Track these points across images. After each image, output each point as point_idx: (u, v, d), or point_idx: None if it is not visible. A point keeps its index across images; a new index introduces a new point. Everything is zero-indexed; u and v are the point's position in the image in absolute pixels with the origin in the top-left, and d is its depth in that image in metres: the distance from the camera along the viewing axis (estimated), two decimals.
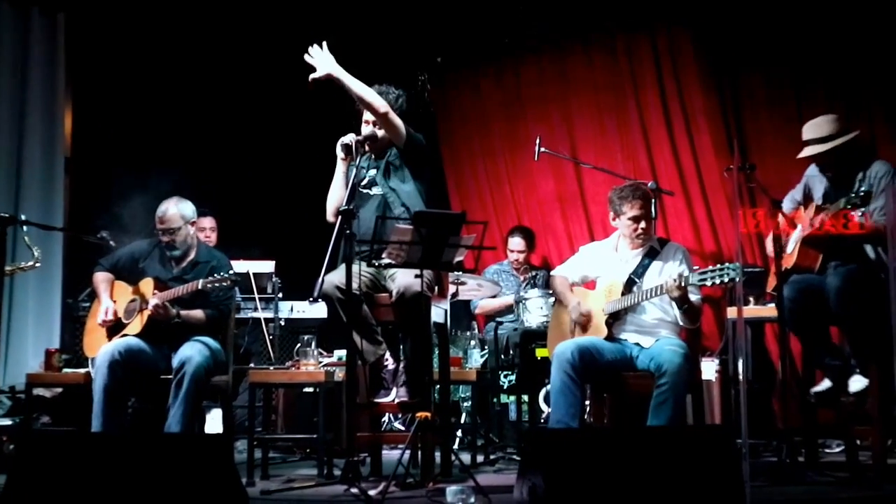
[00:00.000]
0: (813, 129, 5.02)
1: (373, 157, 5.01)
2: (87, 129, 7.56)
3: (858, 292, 4.68)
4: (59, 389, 5.84)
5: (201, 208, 5.70)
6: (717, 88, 7.21)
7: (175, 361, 5.01)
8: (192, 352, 5.01)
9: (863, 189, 4.63)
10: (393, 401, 4.83)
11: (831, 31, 6.71)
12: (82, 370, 5.38)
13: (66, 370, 5.50)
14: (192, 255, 5.36)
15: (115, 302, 5.27)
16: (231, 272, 5.12)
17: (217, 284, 5.05)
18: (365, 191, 4.98)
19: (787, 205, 5.20)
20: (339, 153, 4.90)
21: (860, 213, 4.71)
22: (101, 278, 5.34)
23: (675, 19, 7.38)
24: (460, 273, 6.33)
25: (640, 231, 5.01)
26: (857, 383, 4.76)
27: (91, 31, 7.47)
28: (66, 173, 7.44)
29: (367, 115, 4.98)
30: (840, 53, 6.70)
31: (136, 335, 5.13)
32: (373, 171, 5.01)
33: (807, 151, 5.02)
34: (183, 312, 5.18)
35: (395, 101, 5.01)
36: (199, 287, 5.05)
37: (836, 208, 4.73)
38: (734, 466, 3.48)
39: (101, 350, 5.01)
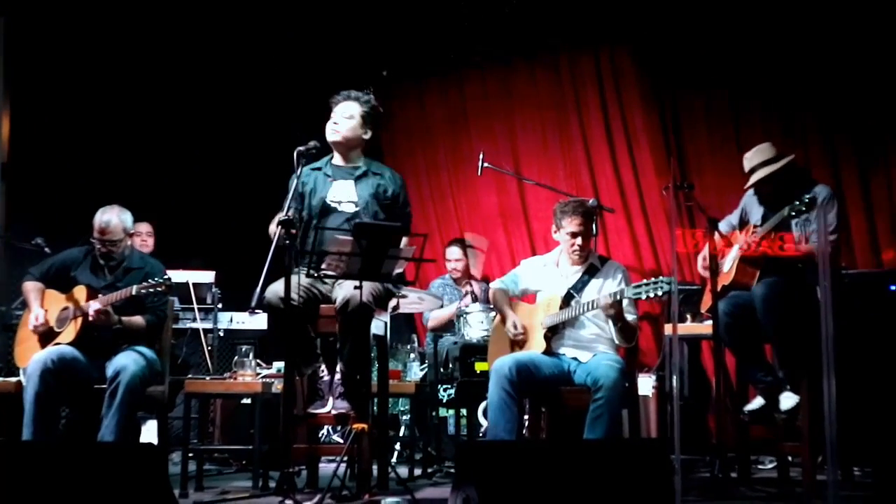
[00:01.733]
0: (756, 154, 5.11)
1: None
2: (25, 134, 7.44)
3: (783, 301, 4.77)
4: None
5: (137, 213, 5.64)
6: (658, 108, 7.32)
7: (109, 370, 4.93)
8: (126, 361, 4.93)
9: (807, 197, 4.72)
10: (329, 412, 4.81)
11: (768, 56, 6.86)
12: (13, 379, 5.28)
13: None
14: (125, 263, 5.28)
15: (46, 311, 5.18)
16: (165, 277, 5.06)
17: (151, 290, 4.98)
18: (333, 204, 4.95)
19: (723, 228, 5.29)
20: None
21: (800, 223, 4.81)
22: (30, 287, 5.24)
23: (618, 40, 7.49)
24: (401, 286, 6.32)
25: (576, 247, 5.04)
26: (787, 400, 4.85)
27: (30, 36, 7.36)
28: (3, 179, 7.32)
29: (335, 116, 4.97)
30: (776, 77, 6.84)
31: (70, 343, 5.05)
32: (349, 183, 4.99)
33: (757, 175, 5.08)
34: (124, 318, 5.11)
35: (366, 104, 5.00)
36: (133, 293, 4.98)
37: (779, 217, 4.83)
38: (667, 480, 3.52)
39: (32, 358, 4.91)
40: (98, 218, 5.21)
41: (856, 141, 6.65)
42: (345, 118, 4.98)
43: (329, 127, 5.00)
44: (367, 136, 5.06)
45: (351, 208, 4.92)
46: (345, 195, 4.96)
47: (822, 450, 4.91)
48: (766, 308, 4.77)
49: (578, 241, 5.03)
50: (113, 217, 5.21)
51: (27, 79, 7.44)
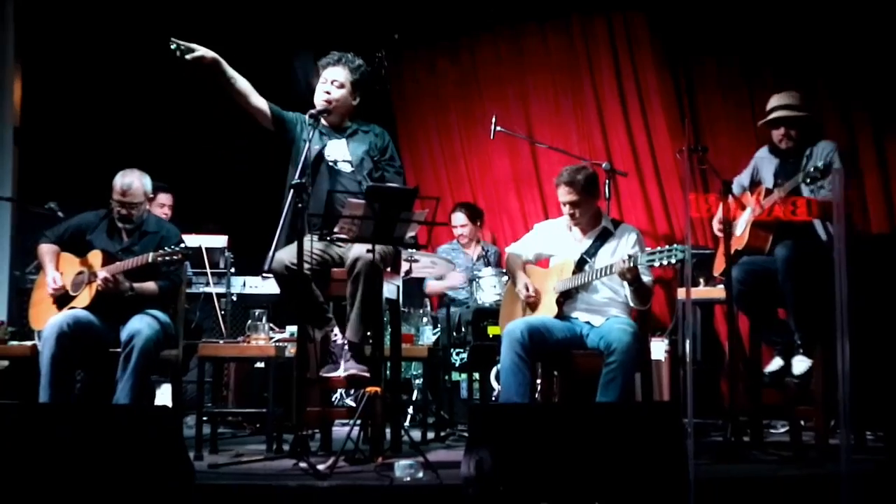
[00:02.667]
0: (782, 98, 5.18)
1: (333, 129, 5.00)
2: (37, 99, 7.44)
3: (805, 264, 4.78)
4: (6, 363, 5.75)
5: (158, 183, 5.64)
6: (671, 72, 7.26)
7: (124, 334, 4.95)
8: (141, 325, 4.96)
9: (821, 163, 4.72)
10: (340, 375, 4.81)
11: (782, 18, 6.79)
12: (29, 343, 5.31)
13: (12, 343, 5.42)
14: (141, 227, 5.29)
15: (61, 273, 5.20)
16: (182, 246, 5.06)
17: (168, 258, 4.99)
18: (330, 163, 4.93)
19: (734, 189, 5.27)
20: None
21: (810, 190, 4.80)
22: (46, 250, 5.25)
23: (631, 3, 7.42)
24: (414, 250, 6.33)
25: (568, 215, 5.07)
26: (800, 364, 4.84)
27: (40, 0, 7.34)
28: (15, 144, 7.32)
29: (325, 82, 4.95)
30: (790, 42, 6.78)
31: (85, 308, 5.07)
32: (342, 142, 4.97)
33: (774, 115, 5.14)
34: (136, 285, 5.12)
35: (356, 71, 4.97)
36: (150, 261, 4.99)
37: (794, 183, 4.83)
38: (679, 444, 3.53)
39: (48, 322, 4.94)
40: (119, 180, 5.21)
41: (870, 104, 6.59)
42: (335, 87, 4.95)
43: (319, 94, 4.96)
44: (356, 102, 5.04)
45: (347, 168, 4.93)
46: (339, 154, 4.96)
47: (835, 414, 4.93)
48: (788, 269, 4.77)
49: (567, 209, 5.06)
50: (135, 180, 5.22)
51: (39, 43, 7.42)
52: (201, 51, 4.81)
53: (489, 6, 7.82)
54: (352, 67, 4.96)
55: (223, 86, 4.90)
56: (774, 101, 5.21)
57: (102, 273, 5.01)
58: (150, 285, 5.17)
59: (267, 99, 4.99)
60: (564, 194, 5.03)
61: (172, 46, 4.78)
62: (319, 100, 4.94)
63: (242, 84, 4.94)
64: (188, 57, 4.79)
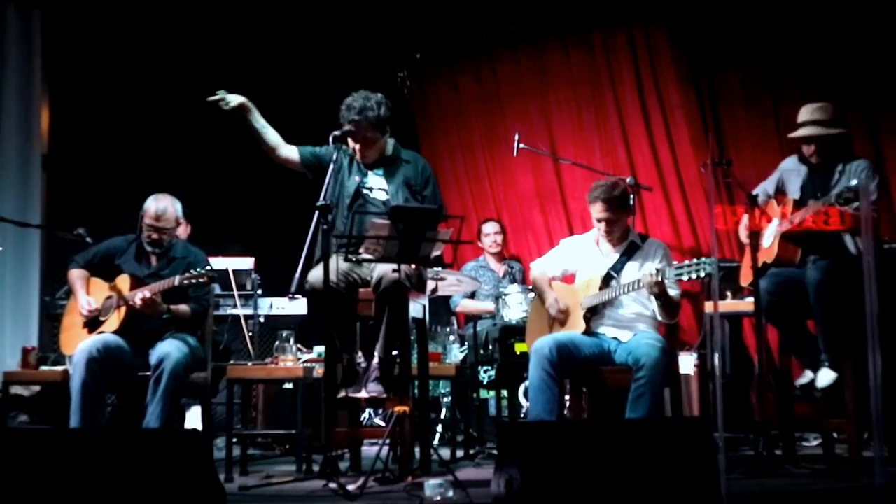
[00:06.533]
0: (814, 112, 5.05)
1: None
2: (64, 126, 7.52)
3: (837, 287, 4.72)
4: (38, 388, 5.79)
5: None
6: (694, 84, 7.24)
7: (153, 358, 4.98)
8: (170, 348, 4.99)
9: (854, 181, 4.66)
10: (361, 396, 4.81)
11: (806, 30, 6.76)
12: (59, 368, 5.35)
13: (42, 368, 5.46)
14: (169, 252, 5.32)
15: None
16: (208, 268, 5.09)
17: (194, 281, 5.02)
18: (366, 191, 4.95)
19: (759, 197, 5.23)
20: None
21: (852, 208, 4.74)
22: (76, 275, 5.29)
23: (652, 16, 7.41)
24: (440, 269, 6.34)
25: (603, 231, 5.05)
26: (824, 378, 4.79)
27: (68, 28, 7.42)
28: (44, 170, 7.39)
29: (357, 138, 4.93)
30: (814, 52, 6.75)
31: (114, 332, 5.10)
32: (379, 170, 5.00)
33: (805, 131, 5.04)
34: (171, 307, 5.15)
35: (377, 115, 4.89)
36: (176, 284, 5.02)
37: (826, 202, 4.75)
38: (710, 458, 3.50)
39: (78, 347, 4.97)
40: (154, 205, 5.23)
41: None
42: (367, 146, 4.94)
43: (357, 150, 4.95)
44: (387, 135, 5.04)
45: (382, 196, 4.94)
46: (376, 182, 4.98)
47: (868, 426, 4.88)
48: (821, 296, 4.72)
49: (603, 226, 5.04)
50: (169, 205, 5.25)
51: (66, 71, 7.50)
52: (240, 99, 4.88)
53: (510, 23, 7.84)
54: (371, 115, 4.86)
55: (251, 134, 4.97)
56: (804, 114, 5.08)
57: (143, 293, 5.02)
58: (184, 307, 5.21)
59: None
60: (600, 211, 4.99)
61: (217, 97, 4.83)
62: (357, 155, 4.96)
63: (271, 136, 5.01)
64: (228, 107, 4.87)
